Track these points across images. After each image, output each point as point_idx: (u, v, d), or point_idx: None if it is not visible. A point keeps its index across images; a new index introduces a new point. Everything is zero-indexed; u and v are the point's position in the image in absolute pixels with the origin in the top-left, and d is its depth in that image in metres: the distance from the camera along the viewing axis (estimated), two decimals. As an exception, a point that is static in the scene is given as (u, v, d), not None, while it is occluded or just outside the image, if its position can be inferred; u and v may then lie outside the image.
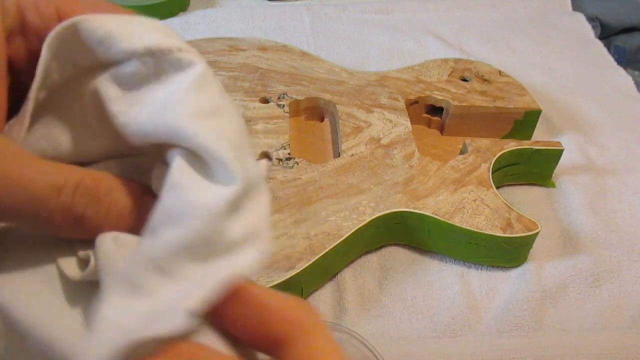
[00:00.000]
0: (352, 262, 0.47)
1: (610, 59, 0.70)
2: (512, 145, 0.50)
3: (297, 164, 0.48)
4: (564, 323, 0.43)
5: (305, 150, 0.54)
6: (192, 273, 0.15)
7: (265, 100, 0.54)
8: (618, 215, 0.51)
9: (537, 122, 0.56)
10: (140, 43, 0.17)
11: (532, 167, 0.52)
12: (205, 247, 0.15)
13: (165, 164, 0.17)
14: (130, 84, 0.18)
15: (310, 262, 0.41)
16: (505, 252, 0.45)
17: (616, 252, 0.48)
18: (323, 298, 0.44)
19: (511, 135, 0.56)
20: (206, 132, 0.16)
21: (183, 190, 0.15)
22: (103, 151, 0.19)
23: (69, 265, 0.17)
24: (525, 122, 0.55)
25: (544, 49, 0.71)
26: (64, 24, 0.17)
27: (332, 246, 0.42)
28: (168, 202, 0.15)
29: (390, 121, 0.53)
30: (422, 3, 0.78)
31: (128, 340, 0.13)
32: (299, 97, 0.55)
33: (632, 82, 0.66)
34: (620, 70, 0.68)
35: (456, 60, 0.60)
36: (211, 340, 0.15)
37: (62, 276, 0.17)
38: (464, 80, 0.57)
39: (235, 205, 0.16)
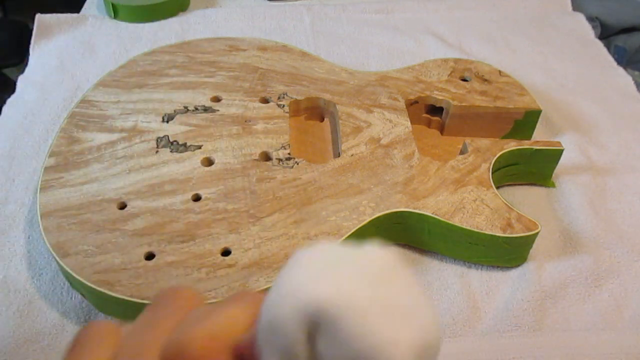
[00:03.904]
0: (352, 262, 0.47)
1: (610, 59, 0.70)
2: (512, 145, 0.50)
3: (297, 164, 0.48)
4: (564, 323, 0.43)
5: (305, 150, 0.54)
6: None
7: (265, 100, 0.54)
8: (618, 215, 0.51)
9: (537, 122, 0.56)
10: None
11: (532, 167, 0.52)
12: None
13: None
14: None
15: (310, 262, 0.41)
16: (505, 252, 0.45)
17: (616, 252, 0.48)
18: (323, 298, 0.44)
19: (511, 135, 0.56)
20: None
21: None
22: None
23: None
24: (525, 122, 0.55)
25: (544, 49, 0.71)
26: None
27: (332, 246, 0.42)
28: None
29: (390, 121, 0.53)
30: (422, 3, 0.78)
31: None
32: (299, 97, 0.55)
33: (632, 82, 0.66)
34: (620, 70, 0.68)
35: (456, 60, 0.60)
36: None
37: None
38: (464, 80, 0.57)
39: None
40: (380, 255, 0.16)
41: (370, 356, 0.14)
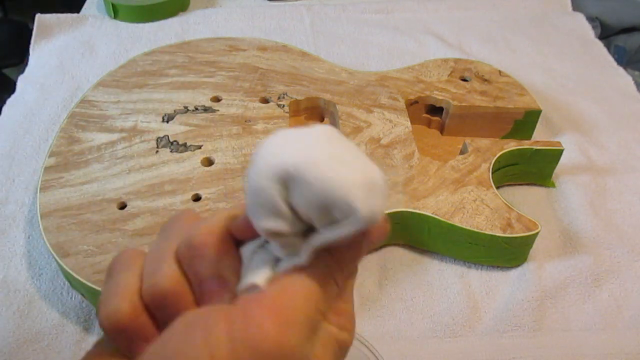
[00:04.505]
0: (352, 262, 0.47)
1: (610, 59, 0.70)
2: (512, 145, 0.50)
3: (297, 164, 0.48)
4: (564, 323, 0.43)
5: (305, 150, 0.53)
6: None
7: (265, 100, 0.54)
8: (618, 215, 0.51)
9: (537, 122, 0.56)
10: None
11: (532, 167, 0.52)
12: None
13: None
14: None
15: (310, 262, 0.41)
16: (505, 252, 0.45)
17: (616, 252, 0.48)
18: (323, 298, 0.44)
19: (511, 135, 0.56)
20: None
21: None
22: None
23: None
24: (525, 122, 0.55)
25: (544, 49, 0.71)
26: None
27: (332, 246, 0.42)
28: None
29: (390, 121, 0.53)
30: (422, 3, 0.78)
31: None
32: (299, 97, 0.55)
33: (632, 82, 0.66)
34: (620, 70, 0.68)
35: (456, 60, 0.60)
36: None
37: None
38: (464, 80, 0.57)
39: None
40: (323, 129, 0.21)
41: (328, 195, 0.19)
